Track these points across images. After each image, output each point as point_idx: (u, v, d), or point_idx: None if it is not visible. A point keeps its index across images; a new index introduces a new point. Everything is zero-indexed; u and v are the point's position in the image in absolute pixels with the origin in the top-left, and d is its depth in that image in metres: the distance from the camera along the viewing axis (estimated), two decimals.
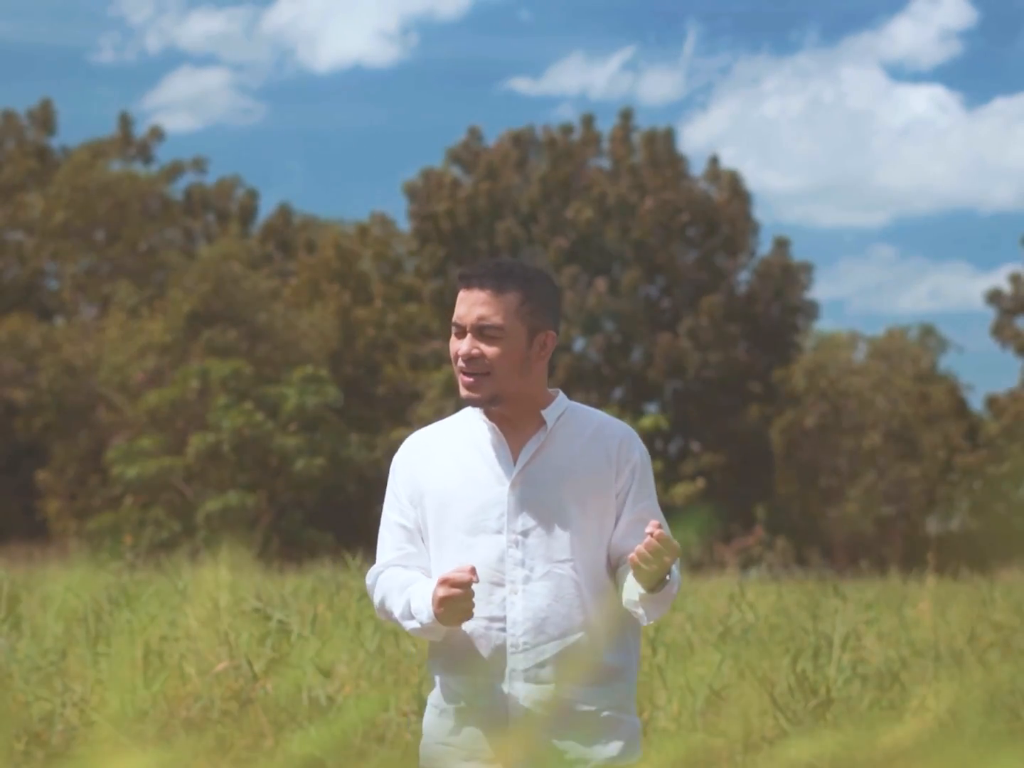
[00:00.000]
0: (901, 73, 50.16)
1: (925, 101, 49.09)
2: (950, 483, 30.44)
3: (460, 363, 2.82)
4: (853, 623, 6.25)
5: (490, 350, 2.80)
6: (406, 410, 28.63)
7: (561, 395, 2.91)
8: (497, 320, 2.80)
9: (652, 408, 30.37)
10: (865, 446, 30.47)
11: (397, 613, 2.81)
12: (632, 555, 2.68)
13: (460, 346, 2.82)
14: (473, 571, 2.68)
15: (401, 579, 2.84)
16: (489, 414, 2.87)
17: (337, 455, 25.37)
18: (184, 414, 25.46)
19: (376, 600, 2.90)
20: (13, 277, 31.60)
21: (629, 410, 27.67)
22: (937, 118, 48.68)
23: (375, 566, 2.93)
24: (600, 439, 2.87)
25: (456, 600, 2.68)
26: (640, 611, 2.76)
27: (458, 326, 2.83)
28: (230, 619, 6.72)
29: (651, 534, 2.66)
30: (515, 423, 2.86)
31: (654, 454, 27.84)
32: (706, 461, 29.79)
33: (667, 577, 2.71)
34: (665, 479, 27.27)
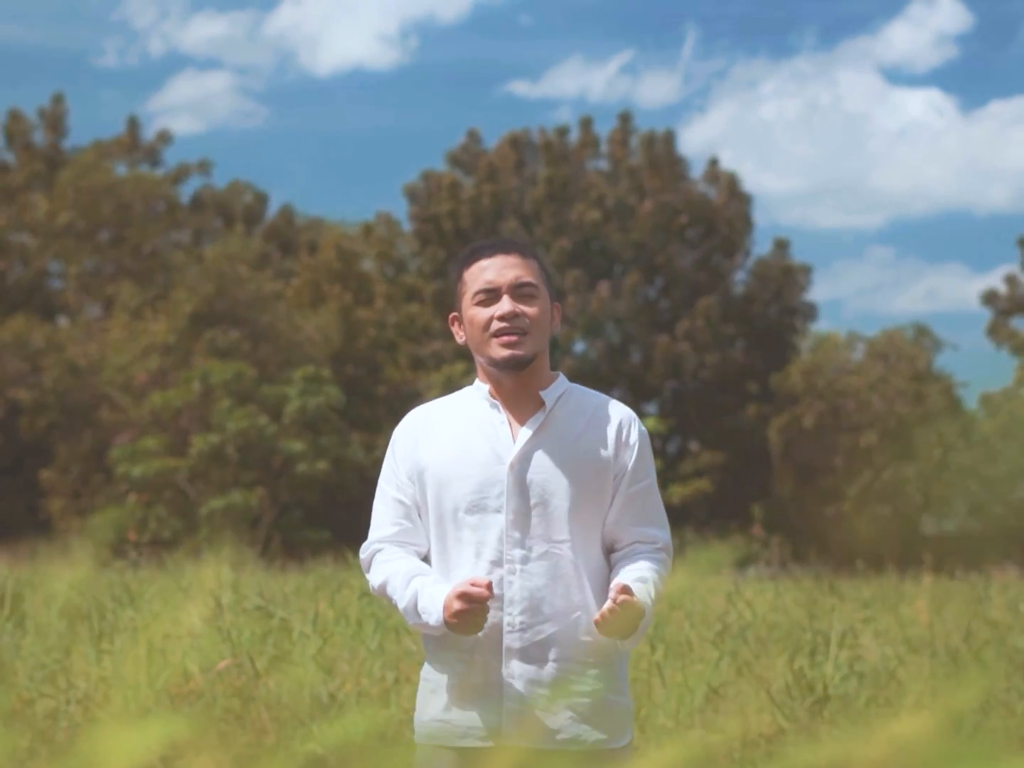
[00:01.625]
0: (897, 76, 50.22)
1: (921, 104, 49.17)
2: (945, 482, 30.46)
3: (500, 324, 2.84)
4: (850, 621, 6.29)
5: (529, 309, 2.85)
6: (407, 410, 28.60)
7: (561, 376, 2.94)
8: (532, 279, 2.87)
9: (651, 409, 30.42)
10: (862, 445, 30.51)
11: (401, 604, 2.82)
12: (596, 617, 2.71)
13: (498, 308, 2.84)
14: (490, 586, 2.69)
15: (405, 567, 2.84)
16: (494, 392, 2.90)
17: (339, 456, 25.43)
18: (187, 415, 25.52)
19: (374, 580, 2.90)
20: (17, 278, 31.64)
21: None
22: (933, 121, 48.74)
23: (370, 540, 2.93)
24: (599, 420, 2.91)
25: (472, 614, 2.69)
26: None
27: (490, 291, 2.86)
28: (232, 617, 6.76)
29: (613, 599, 2.69)
30: (516, 403, 2.89)
31: (653, 454, 27.93)
32: (704, 461, 29.84)
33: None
34: (664, 479, 27.32)
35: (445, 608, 2.72)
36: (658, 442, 29.97)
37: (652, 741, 5.31)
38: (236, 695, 5.61)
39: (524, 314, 2.84)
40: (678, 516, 26.25)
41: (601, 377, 29.44)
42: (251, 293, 28.30)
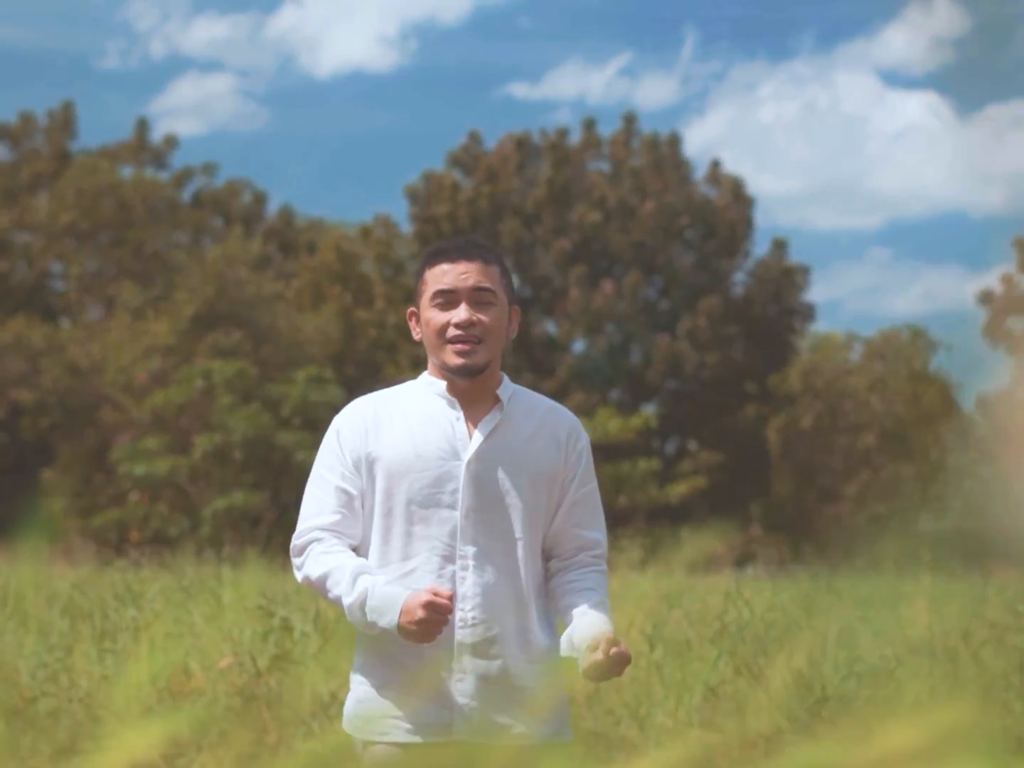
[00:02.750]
0: (895, 79, 50.27)
1: (918, 107, 49.25)
2: (942, 482, 30.50)
3: (454, 331, 2.85)
4: (848, 620, 6.32)
5: (485, 317, 2.86)
6: None
7: (506, 378, 2.96)
8: (491, 285, 2.87)
9: (650, 408, 30.50)
10: (859, 446, 30.56)
11: (346, 600, 2.76)
12: (587, 666, 2.72)
13: (455, 314, 2.85)
14: (452, 597, 2.70)
15: (351, 563, 2.79)
16: (449, 389, 2.90)
17: None
18: (189, 414, 25.56)
19: (310, 570, 2.83)
20: (20, 278, 31.70)
21: (627, 410, 27.80)
22: (930, 123, 48.83)
23: (307, 526, 2.87)
24: (549, 423, 2.93)
25: (432, 623, 2.69)
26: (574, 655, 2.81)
27: (447, 294, 2.85)
28: (234, 616, 6.79)
29: (605, 652, 2.70)
30: (470, 400, 2.90)
31: (650, 453, 28.07)
32: (703, 460, 29.92)
33: None
34: (662, 478, 27.48)
35: (404, 613, 2.70)
36: (656, 441, 30.07)
37: (651, 740, 5.34)
38: (237, 694, 5.64)
39: (480, 322, 2.85)
40: (677, 515, 26.31)
41: (601, 376, 29.51)
42: (252, 294, 28.35)
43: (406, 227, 33.06)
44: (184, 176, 33.65)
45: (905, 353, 32.06)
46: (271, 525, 24.52)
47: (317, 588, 2.84)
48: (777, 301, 32.07)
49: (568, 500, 2.91)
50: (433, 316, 2.88)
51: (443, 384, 2.92)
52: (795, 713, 5.49)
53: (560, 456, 2.90)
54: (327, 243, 32.66)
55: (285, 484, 25.46)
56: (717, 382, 30.85)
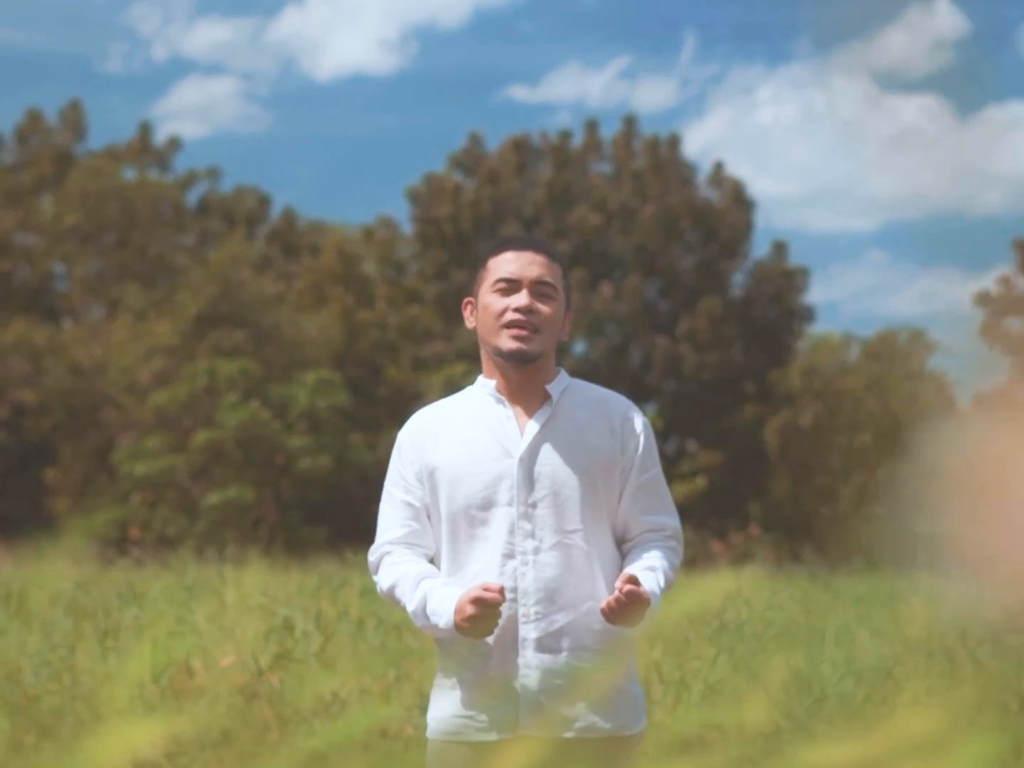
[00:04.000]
0: (893, 82, 50.19)
1: (917, 109, 49.24)
2: (940, 482, 30.42)
3: (513, 316, 2.87)
4: (846, 619, 6.34)
5: (544, 308, 2.88)
6: (407, 410, 28.73)
7: (563, 371, 2.98)
8: (553, 281, 2.91)
9: (650, 408, 30.55)
10: (857, 445, 30.58)
11: (410, 607, 2.84)
12: (602, 606, 2.75)
13: (515, 300, 2.88)
14: (502, 591, 2.73)
15: (414, 570, 2.86)
16: (499, 387, 2.92)
17: (342, 455, 25.54)
18: (191, 413, 25.60)
19: (382, 582, 2.92)
20: (23, 279, 31.74)
21: None
22: (928, 126, 48.82)
23: (379, 542, 2.95)
24: (603, 412, 2.94)
25: (484, 618, 2.72)
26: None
27: (511, 281, 2.88)
28: (236, 615, 6.82)
29: (619, 588, 2.73)
30: (521, 397, 2.92)
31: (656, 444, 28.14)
32: (703, 460, 29.96)
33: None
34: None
35: (457, 611, 2.74)
36: (657, 440, 30.20)
37: (650, 737, 5.36)
38: (239, 692, 5.67)
39: (539, 311, 2.88)
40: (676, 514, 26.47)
41: (601, 377, 29.57)
42: (255, 295, 28.40)
43: (407, 228, 33.14)
44: (188, 180, 33.72)
45: (902, 353, 32.08)
46: (272, 525, 24.56)
47: (391, 600, 2.91)
48: (776, 302, 32.15)
49: (631, 486, 2.92)
50: (493, 301, 2.91)
51: (492, 383, 2.94)
52: (793, 712, 5.52)
53: (616, 443, 2.92)
54: (329, 245, 32.70)
55: (287, 486, 25.50)
56: (716, 383, 30.93)
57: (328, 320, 29.95)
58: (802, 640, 6.07)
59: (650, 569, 2.85)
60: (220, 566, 9.19)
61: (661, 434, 29.97)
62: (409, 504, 2.92)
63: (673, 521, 2.97)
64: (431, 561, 2.94)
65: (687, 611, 6.37)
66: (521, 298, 2.87)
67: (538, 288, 2.89)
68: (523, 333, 2.87)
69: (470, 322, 2.98)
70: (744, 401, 31.21)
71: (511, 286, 2.88)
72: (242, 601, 7.36)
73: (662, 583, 2.85)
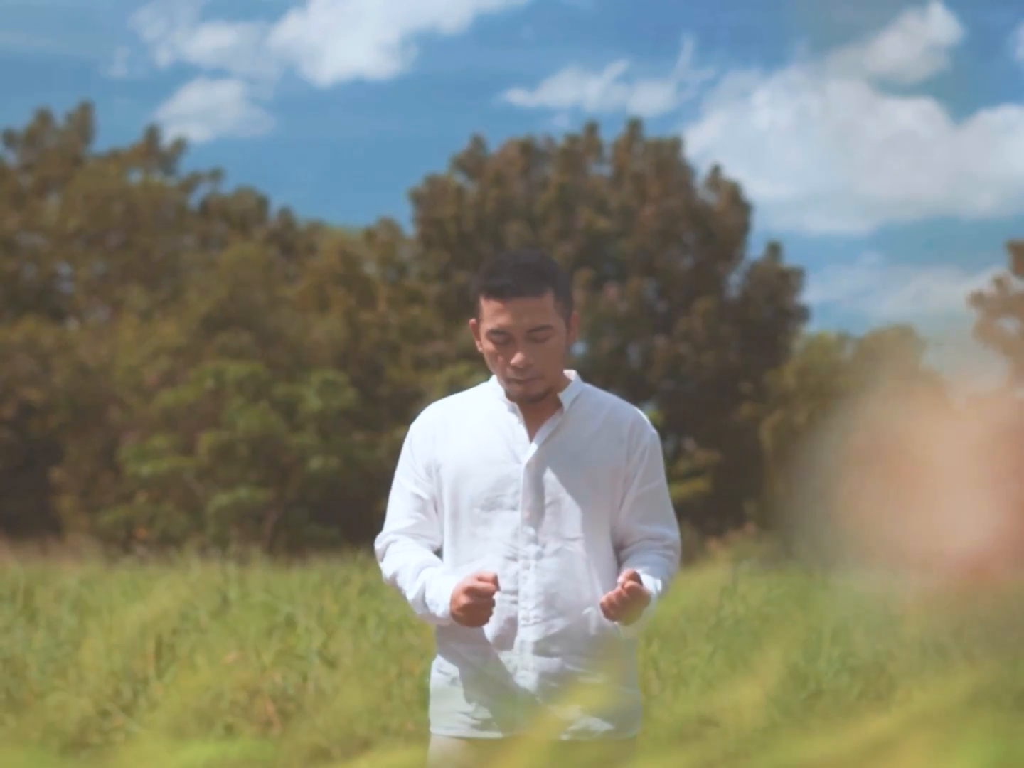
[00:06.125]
0: (887, 86, 50.24)
1: (911, 113, 49.28)
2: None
3: (512, 372, 2.86)
4: (842, 616, 6.39)
5: (542, 352, 2.86)
6: (409, 410, 28.82)
7: (576, 377, 3.00)
8: (546, 322, 2.86)
9: (649, 408, 30.65)
10: (851, 444, 30.58)
11: (410, 595, 2.89)
12: (603, 600, 2.80)
13: (513, 356, 2.84)
14: (495, 580, 2.77)
15: (416, 559, 2.91)
16: (510, 394, 2.94)
17: (350, 456, 25.65)
18: (197, 413, 25.68)
19: (386, 570, 2.97)
20: (28, 280, 31.84)
21: None
22: (922, 130, 48.88)
23: (386, 531, 3.00)
24: (613, 422, 2.96)
25: (478, 608, 2.77)
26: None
27: (504, 334, 2.85)
28: (239, 612, 6.88)
29: (622, 584, 2.78)
30: (533, 404, 2.94)
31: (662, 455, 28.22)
32: (700, 459, 30.04)
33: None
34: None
35: (452, 601, 2.80)
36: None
37: (649, 734, 5.41)
38: (242, 688, 5.72)
39: (537, 359, 2.86)
40: (675, 514, 26.62)
41: (601, 376, 29.67)
42: (262, 297, 28.51)
43: (408, 230, 33.27)
44: (192, 182, 33.80)
45: (895, 352, 32.08)
46: (275, 523, 24.63)
47: (394, 587, 2.97)
48: (772, 303, 32.31)
49: (631, 496, 2.94)
50: (491, 349, 2.89)
51: (504, 389, 2.96)
52: (789, 707, 5.57)
53: (623, 452, 2.94)
54: (331, 246, 32.80)
55: (293, 485, 25.58)
56: (714, 382, 31.08)
57: (331, 322, 30.05)
58: (798, 636, 6.12)
59: (650, 572, 2.89)
60: (223, 564, 9.25)
61: (660, 433, 30.11)
62: (417, 496, 2.97)
63: (673, 533, 3.00)
64: (437, 552, 2.99)
65: (685, 607, 6.43)
66: (517, 355, 2.85)
67: (532, 335, 2.86)
68: (524, 382, 2.88)
69: (479, 346, 2.96)
70: (741, 400, 31.35)
71: (505, 338, 2.86)
72: (245, 598, 7.42)
73: (659, 587, 2.89)
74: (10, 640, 6.22)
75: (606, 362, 30.41)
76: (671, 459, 30.17)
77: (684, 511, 27.59)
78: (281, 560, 13.64)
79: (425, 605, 2.87)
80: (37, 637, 6.32)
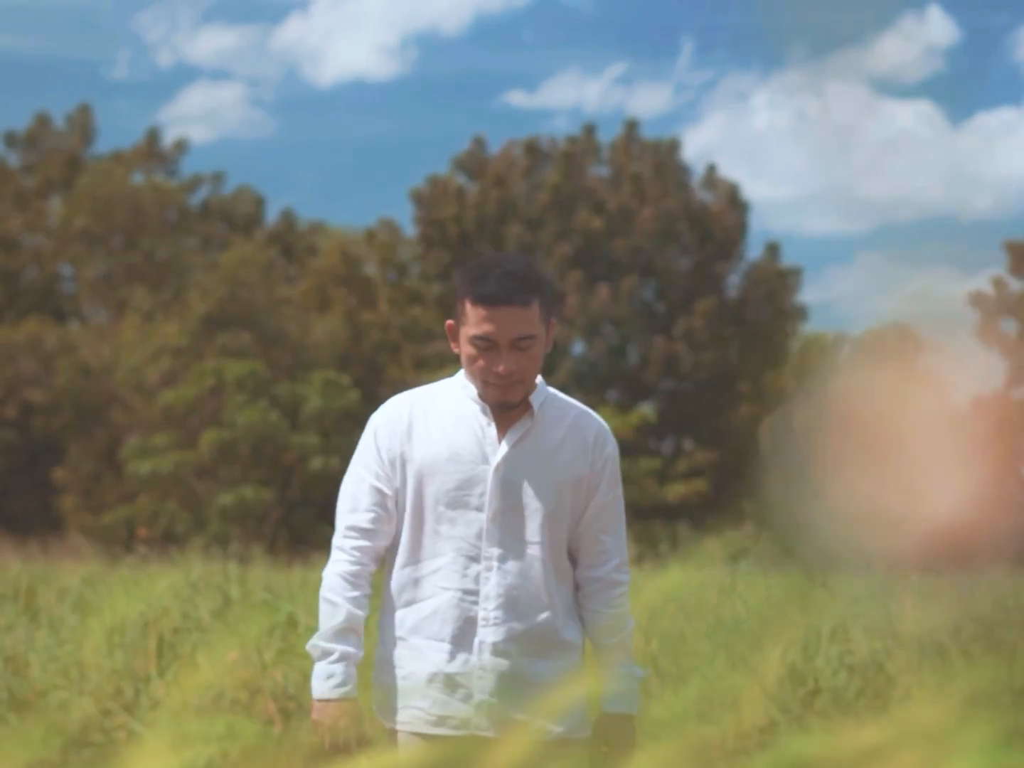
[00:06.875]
0: (886, 88, 50.33)
1: (910, 115, 49.35)
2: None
3: (495, 379, 2.86)
4: (840, 616, 6.42)
5: (525, 361, 2.86)
6: None
7: (542, 382, 2.99)
8: (531, 331, 2.86)
9: (648, 407, 30.71)
10: (850, 443, 30.62)
11: (319, 640, 2.98)
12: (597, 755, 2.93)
13: (494, 363, 2.84)
14: (355, 742, 2.86)
15: (351, 619, 2.99)
16: (482, 395, 2.93)
17: (351, 456, 25.69)
18: (199, 412, 25.72)
19: (333, 585, 3.00)
20: (31, 281, 31.88)
21: (625, 410, 28.02)
22: (921, 131, 48.94)
23: (343, 524, 2.97)
24: (578, 430, 2.98)
25: (331, 741, 2.87)
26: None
27: (488, 341, 2.84)
28: (240, 611, 6.90)
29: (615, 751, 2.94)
30: (508, 410, 2.94)
31: (646, 451, 28.30)
32: (699, 459, 30.08)
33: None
34: (660, 477, 27.76)
35: (326, 716, 2.88)
36: (653, 440, 30.33)
37: (648, 732, 5.44)
38: (244, 687, 5.74)
39: (520, 367, 2.86)
40: (674, 513, 26.69)
41: (599, 377, 29.73)
42: (263, 297, 28.55)
43: (409, 231, 33.32)
44: (193, 183, 33.85)
45: (893, 351, 32.09)
46: (277, 522, 24.67)
47: (322, 601, 3.03)
48: (770, 303, 32.38)
49: (594, 505, 2.97)
50: (472, 354, 2.88)
51: (475, 390, 2.96)
52: (788, 705, 5.60)
53: (587, 460, 2.96)
54: (331, 247, 32.85)
55: (294, 484, 25.63)
56: (712, 382, 31.16)
57: (332, 322, 30.09)
58: (797, 635, 6.14)
59: (623, 671, 2.99)
60: (224, 563, 9.27)
61: (659, 433, 30.17)
62: (379, 490, 2.95)
63: (623, 550, 3.04)
64: (384, 551, 2.99)
65: (684, 606, 6.46)
66: (500, 362, 2.85)
67: (517, 344, 2.85)
68: (504, 388, 2.88)
69: (454, 347, 2.96)
70: (739, 400, 31.41)
71: (489, 345, 2.85)
72: (246, 598, 7.44)
73: (631, 649, 3.02)
74: (12, 639, 6.24)
75: (605, 362, 30.46)
76: (670, 459, 30.22)
77: (683, 511, 27.65)
78: (282, 559, 13.67)
79: (317, 663, 2.93)
80: (39, 636, 6.34)
